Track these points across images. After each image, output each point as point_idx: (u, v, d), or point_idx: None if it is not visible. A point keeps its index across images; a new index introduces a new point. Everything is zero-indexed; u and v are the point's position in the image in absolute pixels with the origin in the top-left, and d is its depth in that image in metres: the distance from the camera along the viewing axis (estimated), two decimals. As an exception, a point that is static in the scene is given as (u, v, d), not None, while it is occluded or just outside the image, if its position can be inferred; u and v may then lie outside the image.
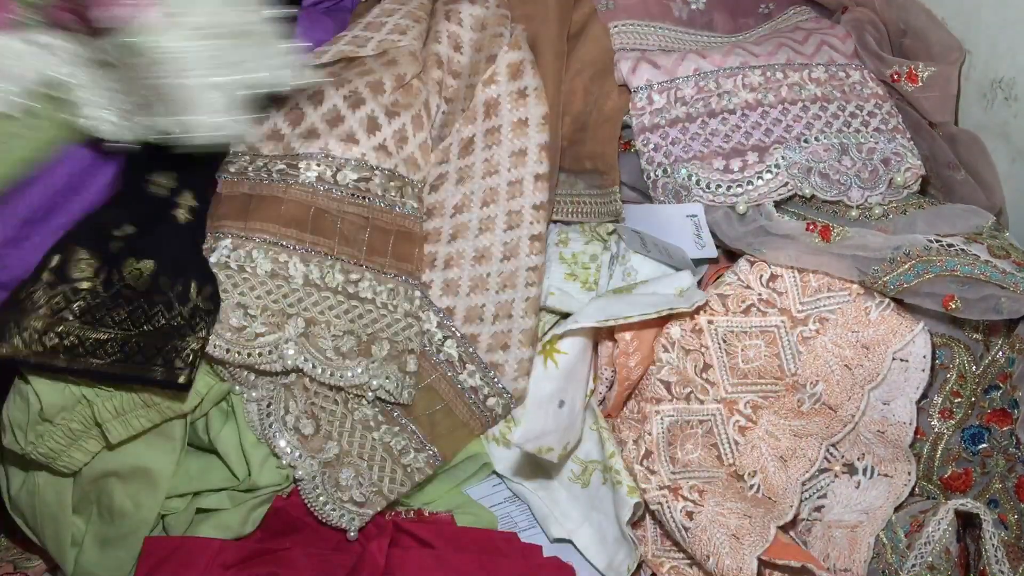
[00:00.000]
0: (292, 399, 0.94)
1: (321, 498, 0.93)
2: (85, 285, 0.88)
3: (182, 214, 0.94)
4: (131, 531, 0.91)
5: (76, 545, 0.92)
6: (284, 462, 0.93)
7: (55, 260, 0.88)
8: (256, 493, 0.93)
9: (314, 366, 0.92)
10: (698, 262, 1.03)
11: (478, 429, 0.98)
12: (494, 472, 1.01)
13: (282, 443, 0.93)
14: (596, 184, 1.04)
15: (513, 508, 1.01)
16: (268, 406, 0.93)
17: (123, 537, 0.91)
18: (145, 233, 0.91)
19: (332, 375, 0.93)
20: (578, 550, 0.98)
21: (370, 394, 0.94)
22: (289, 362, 0.91)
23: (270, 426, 0.93)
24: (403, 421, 0.96)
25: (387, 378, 0.94)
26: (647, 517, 0.96)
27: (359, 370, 0.94)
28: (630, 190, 1.06)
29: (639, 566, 0.94)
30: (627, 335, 0.95)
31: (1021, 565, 0.82)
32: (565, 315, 1.03)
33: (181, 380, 0.86)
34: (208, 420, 0.93)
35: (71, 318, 0.86)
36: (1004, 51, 0.96)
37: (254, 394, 0.93)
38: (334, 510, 0.93)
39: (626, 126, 1.04)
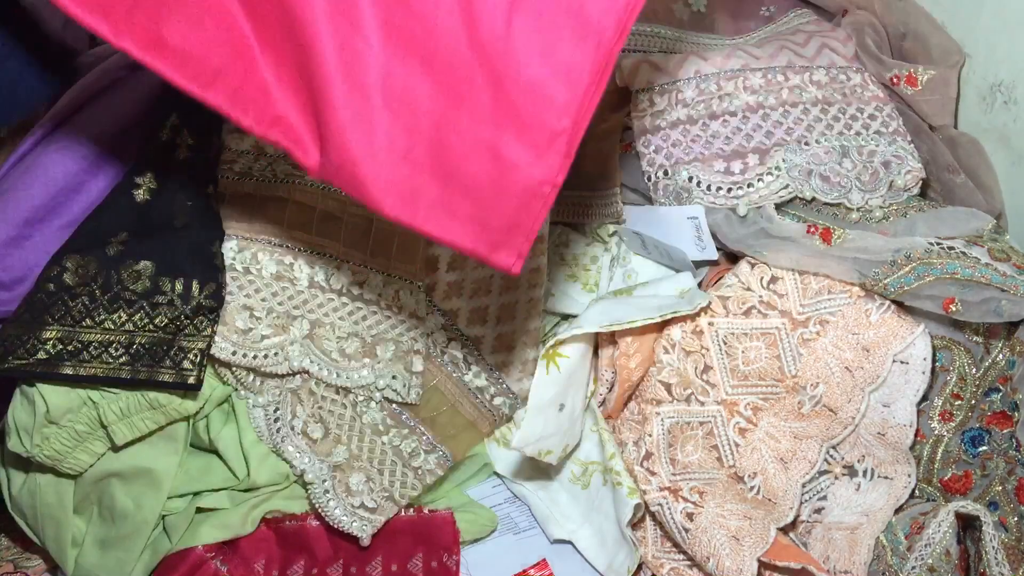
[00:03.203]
0: (299, 403, 0.93)
1: (332, 502, 0.91)
2: (83, 289, 0.88)
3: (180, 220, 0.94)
4: (132, 532, 0.90)
5: (76, 546, 0.92)
6: (294, 467, 0.92)
7: (54, 271, 0.88)
8: (256, 493, 0.93)
9: (319, 367, 0.92)
10: (699, 264, 1.03)
11: (486, 428, 0.98)
12: (494, 473, 1.01)
13: (291, 448, 0.92)
14: (597, 186, 1.04)
15: (513, 509, 1.01)
16: (275, 411, 0.92)
17: (123, 538, 0.90)
18: (143, 236, 0.91)
19: (338, 376, 0.93)
20: (578, 551, 0.98)
21: (377, 394, 0.94)
22: (295, 363, 0.91)
23: (278, 431, 0.92)
24: (412, 423, 0.96)
25: (393, 378, 0.94)
26: (647, 518, 0.96)
27: (364, 372, 0.94)
28: (631, 192, 1.06)
29: (639, 567, 0.94)
30: (628, 337, 0.95)
31: (1021, 567, 0.82)
32: (565, 316, 1.03)
33: (191, 381, 0.86)
34: (208, 420, 0.93)
35: (71, 323, 0.86)
36: (1003, 55, 0.96)
37: (260, 400, 0.93)
38: (345, 516, 0.91)
39: (626, 128, 1.04)
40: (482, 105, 0.71)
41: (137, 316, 0.88)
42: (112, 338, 0.87)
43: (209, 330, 0.89)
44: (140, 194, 0.93)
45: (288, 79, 0.74)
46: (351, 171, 0.72)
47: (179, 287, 0.89)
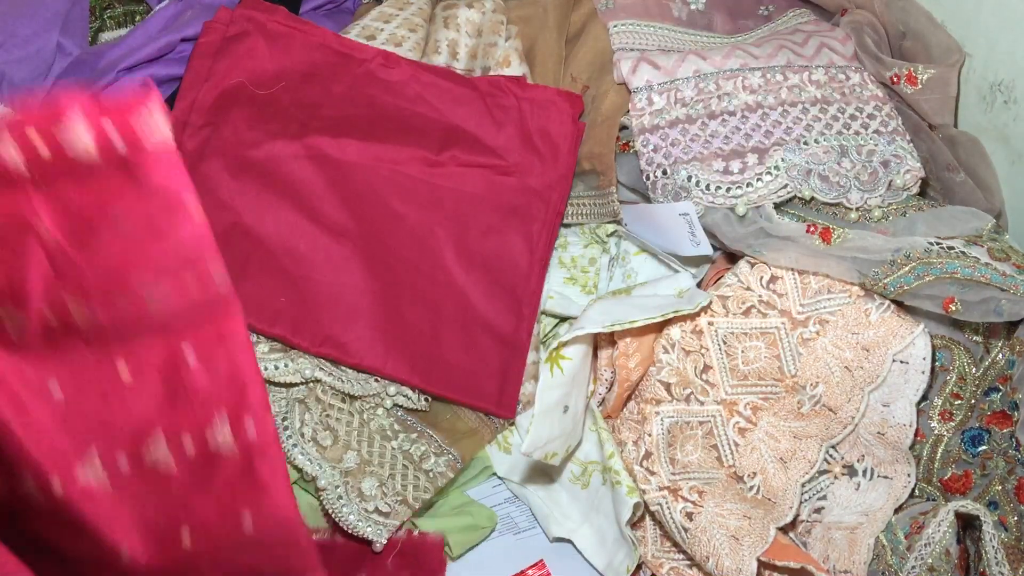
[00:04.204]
0: (307, 411, 0.92)
1: (345, 508, 0.90)
2: None
3: None
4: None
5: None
6: (306, 473, 0.91)
7: None
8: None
9: (331, 376, 0.92)
10: (696, 260, 1.03)
11: (488, 436, 0.98)
12: (494, 474, 1.01)
13: (301, 456, 0.91)
14: (594, 185, 1.04)
15: (513, 508, 1.01)
16: (283, 420, 0.92)
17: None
18: None
19: (352, 385, 0.93)
20: (578, 550, 0.98)
21: (388, 401, 0.94)
22: (307, 373, 0.91)
23: (288, 439, 0.91)
24: (419, 428, 0.96)
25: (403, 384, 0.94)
26: (647, 518, 0.96)
27: (373, 380, 0.94)
28: (629, 191, 1.06)
29: (639, 566, 0.94)
30: (627, 337, 0.95)
31: (1021, 567, 0.82)
32: (564, 319, 1.03)
33: None
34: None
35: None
36: (1003, 54, 0.96)
37: None
38: (360, 521, 0.90)
39: (623, 127, 1.04)
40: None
41: None
42: None
43: None
44: None
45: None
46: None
47: None
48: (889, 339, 0.92)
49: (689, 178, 0.98)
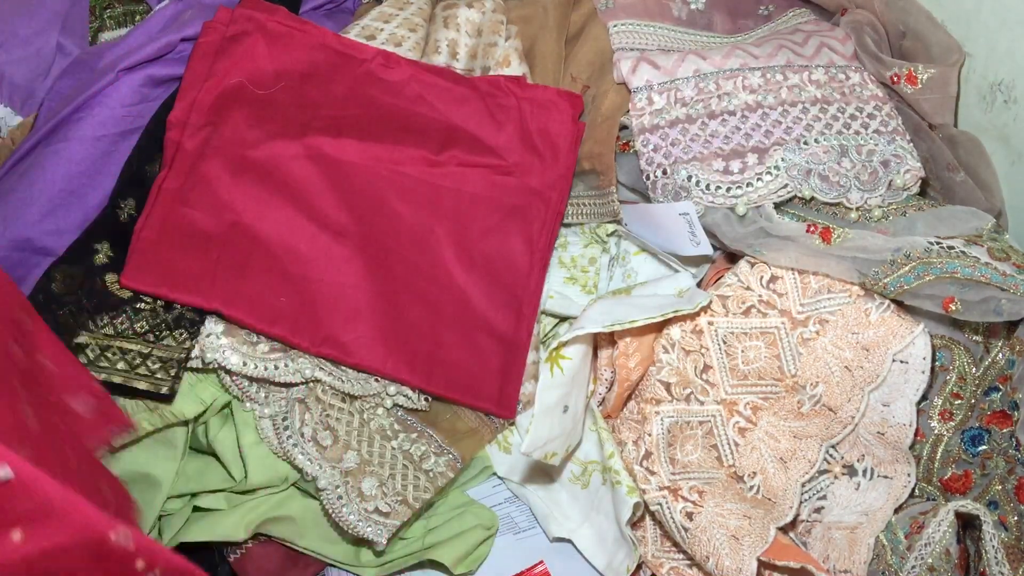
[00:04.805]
0: (307, 411, 0.92)
1: (345, 508, 0.90)
2: (70, 298, 0.88)
3: None
4: (128, 536, 0.90)
5: (75, 548, 0.92)
6: (306, 474, 0.91)
7: (44, 283, 0.88)
8: (253, 495, 0.93)
9: (331, 376, 0.92)
10: (696, 260, 1.03)
11: (488, 436, 0.98)
12: (494, 473, 1.01)
13: (301, 456, 0.91)
14: (594, 185, 1.04)
15: (513, 508, 1.01)
16: (283, 420, 0.92)
17: (120, 541, 0.90)
18: (127, 245, 0.91)
19: (352, 385, 0.93)
20: (578, 550, 0.98)
21: (388, 401, 0.94)
22: (307, 372, 0.91)
23: (288, 439, 0.91)
24: (419, 428, 0.96)
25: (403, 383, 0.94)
26: (647, 518, 0.96)
27: (373, 380, 0.94)
28: (629, 191, 1.06)
29: (639, 566, 0.94)
30: (627, 337, 0.95)
31: (1021, 566, 0.82)
32: (564, 319, 1.03)
33: (164, 391, 0.86)
34: (207, 423, 0.93)
35: (55, 330, 0.86)
36: (1003, 54, 0.96)
37: (267, 411, 0.92)
38: (360, 521, 0.90)
39: (624, 127, 1.04)
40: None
41: (119, 320, 0.88)
42: (89, 340, 0.86)
43: (189, 343, 0.89)
44: (123, 214, 0.94)
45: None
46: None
47: None
48: (889, 339, 0.92)
49: (689, 178, 0.98)
